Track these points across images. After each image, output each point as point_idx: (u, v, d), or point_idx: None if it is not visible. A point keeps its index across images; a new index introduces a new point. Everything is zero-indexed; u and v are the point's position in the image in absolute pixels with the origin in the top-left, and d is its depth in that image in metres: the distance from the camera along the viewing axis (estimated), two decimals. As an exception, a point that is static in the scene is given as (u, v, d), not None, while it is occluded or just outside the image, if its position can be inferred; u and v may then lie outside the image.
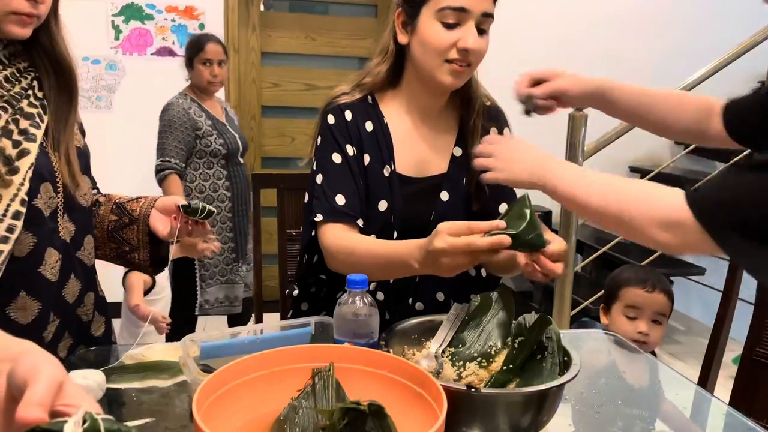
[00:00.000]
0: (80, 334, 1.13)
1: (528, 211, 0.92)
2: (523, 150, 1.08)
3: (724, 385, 1.58)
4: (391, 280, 1.24)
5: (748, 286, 1.58)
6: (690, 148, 3.47)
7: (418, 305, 1.29)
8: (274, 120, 3.76)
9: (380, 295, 1.26)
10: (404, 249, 1.06)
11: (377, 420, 0.66)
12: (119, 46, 3.37)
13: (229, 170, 2.67)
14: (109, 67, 3.36)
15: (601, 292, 2.77)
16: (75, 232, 1.09)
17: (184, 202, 1.13)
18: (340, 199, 1.19)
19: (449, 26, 1.13)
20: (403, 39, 1.21)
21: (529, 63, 4.23)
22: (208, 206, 1.13)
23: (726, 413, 1.08)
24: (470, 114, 1.28)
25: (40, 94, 1.07)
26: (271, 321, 1.17)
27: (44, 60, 1.07)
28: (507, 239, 0.89)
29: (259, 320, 1.79)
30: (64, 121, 1.07)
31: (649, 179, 3.50)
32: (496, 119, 1.32)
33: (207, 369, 0.94)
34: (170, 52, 3.43)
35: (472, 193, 1.26)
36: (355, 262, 1.14)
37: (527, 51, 3.79)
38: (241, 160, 2.74)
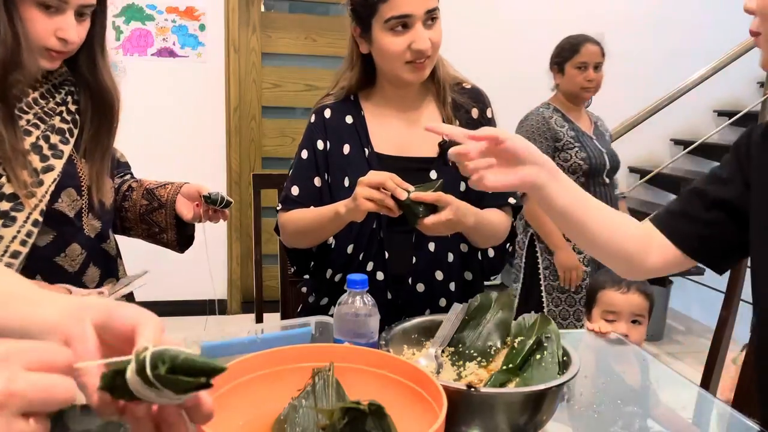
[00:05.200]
0: None
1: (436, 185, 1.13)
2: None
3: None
4: (387, 256, 1.30)
5: (748, 286, 1.58)
6: (690, 148, 3.47)
7: (419, 286, 1.32)
8: (275, 120, 3.76)
9: (379, 275, 1.31)
10: (337, 203, 1.21)
11: (377, 420, 0.66)
12: (120, 47, 3.37)
13: (590, 189, 2.29)
14: (110, 67, 3.37)
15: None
16: (101, 228, 1.19)
17: (206, 192, 1.26)
18: (294, 190, 1.33)
19: (399, 32, 1.21)
20: (364, 49, 1.30)
21: (529, 62, 4.23)
22: (227, 197, 1.26)
23: (729, 415, 1.08)
24: (440, 93, 1.34)
25: (73, 108, 1.15)
26: (271, 321, 1.17)
27: (83, 85, 1.15)
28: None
29: (259, 320, 1.79)
30: (100, 149, 1.16)
31: (649, 179, 3.50)
32: (476, 99, 1.37)
33: (207, 369, 0.94)
34: (171, 53, 3.43)
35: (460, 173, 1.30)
36: (299, 226, 1.30)
37: (528, 50, 3.79)
38: (607, 180, 2.42)
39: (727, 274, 1.58)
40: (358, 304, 0.96)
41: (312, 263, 1.40)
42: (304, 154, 1.35)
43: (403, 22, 1.20)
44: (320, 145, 1.34)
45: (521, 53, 3.79)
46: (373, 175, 1.11)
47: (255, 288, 1.80)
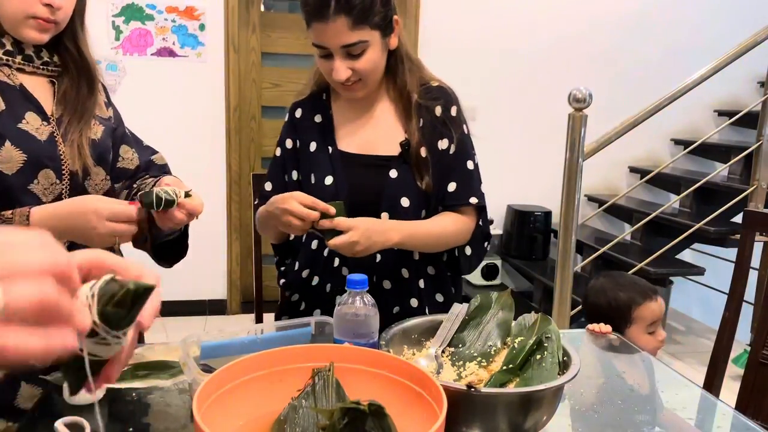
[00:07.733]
0: None
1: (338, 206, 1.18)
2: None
3: (725, 386, 1.57)
4: (375, 254, 1.30)
5: (750, 287, 1.58)
6: (690, 148, 3.46)
7: (385, 283, 1.35)
8: (274, 120, 3.75)
9: (344, 271, 1.34)
10: (267, 204, 1.25)
11: (377, 420, 0.66)
12: (119, 47, 3.36)
13: None
14: (110, 67, 3.36)
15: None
16: None
17: (145, 195, 1.03)
18: (268, 186, 1.41)
19: (324, 57, 1.24)
20: None
21: (530, 62, 4.21)
22: (166, 196, 1.02)
23: (733, 417, 1.07)
24: (401, 99, 1.35)
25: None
26: (271, 321, 1.17)
27: (71, 63, 1.14)
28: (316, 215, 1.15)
29: (259, 320, 1.79)
30: (79, 114, 1.13)
31: (649, 179, 3.50)
32: (438, 97, 1.36)
33: (207, 369, 0.94)
34: (170, 53, 3.43)
35: (417, 172, 1.33)
36: (259, 224, 1.37)
37: (528, 50, 3.79)
38: None
39: (727, 274, 1.58)
40: (358, 304, 0.96)
41: (288, 259, 1.44)
42: (278, 152, 1.43)
43: (324, 50, 1.22)
44: (288, 143, 1.41)
45: (521, 53, 3.79)
46: (295, 206, 1.15)
47: (255, 288, 1.80)
